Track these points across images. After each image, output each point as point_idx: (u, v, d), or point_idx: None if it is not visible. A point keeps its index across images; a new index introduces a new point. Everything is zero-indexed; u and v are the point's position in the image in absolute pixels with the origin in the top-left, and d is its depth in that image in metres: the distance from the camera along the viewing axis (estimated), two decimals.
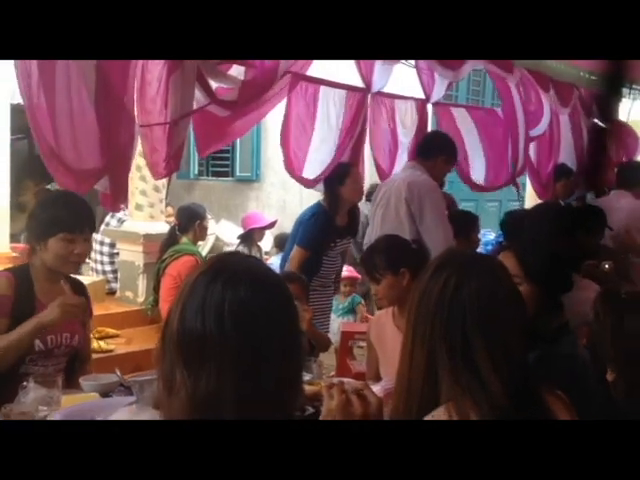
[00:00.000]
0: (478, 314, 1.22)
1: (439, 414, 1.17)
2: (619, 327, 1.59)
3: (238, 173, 8.28)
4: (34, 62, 2.35)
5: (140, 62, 2.67)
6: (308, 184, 3.84)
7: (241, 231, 5.34)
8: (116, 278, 4.91)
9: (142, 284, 4.60)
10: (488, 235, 6.36)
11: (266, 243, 5.72)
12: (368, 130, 4.00)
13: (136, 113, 2.75)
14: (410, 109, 4.23)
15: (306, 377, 2.36)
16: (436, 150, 3.50)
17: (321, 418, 1.34)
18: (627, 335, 1.57)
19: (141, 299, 4.59)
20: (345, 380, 1.64)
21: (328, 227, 3.60)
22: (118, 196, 2.75)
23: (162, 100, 2.69)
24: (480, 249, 5.39)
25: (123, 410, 1.61)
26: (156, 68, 2.68)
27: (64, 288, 2.19)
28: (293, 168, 3.70)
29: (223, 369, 0.93)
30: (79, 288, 2.35)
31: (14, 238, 6.63)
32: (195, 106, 2.89)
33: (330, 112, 3.69)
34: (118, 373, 2.13)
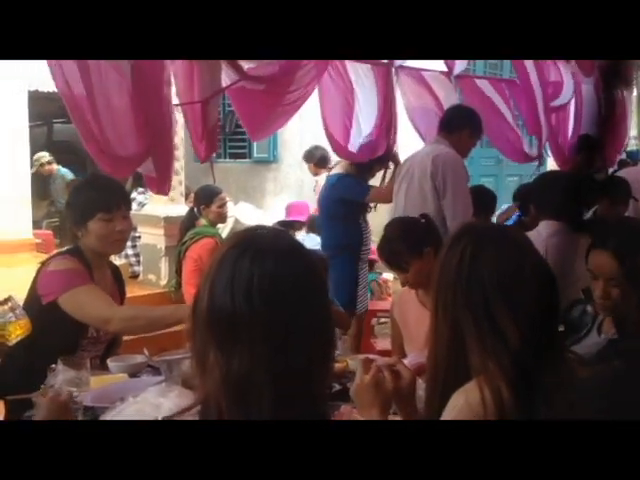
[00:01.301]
0: (497, 281, 1.23)
1: (470, 387, 1.17)
2: None
3: (255, 154, 8.28)
4: None
5: None
6: (353, 158, 3.85)
7: (260, 212, 5.34)
8: (138, 261, 4.96)
9: (164, 267, 4.64)
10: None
11: None
12: (405, 106, 3.98)
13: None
14: (442, 79, 4.18)
15: None
16: (460, 124, 3.44)
17: (352, 391, 1.35)
18: None
19: (164, 282, 4.63)
20: (372, 356, 1.65)
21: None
22: (164, 178, 2.77)
23: (190, 80, 2.69)
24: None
25: (152, 389, 1.64)
26: None
27: (108, 274, 2.29)
28: (339, 145, 3.72)
29: (255, 346, 0.92)
30: (117, 273, 2.42)
31: (36, 225, 6.73)
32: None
33: (365, 85, 3.68)
34: (146, 353, 2.15)
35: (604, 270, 1.79)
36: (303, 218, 5.11)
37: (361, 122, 3.72)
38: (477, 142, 3.63)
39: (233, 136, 8.22)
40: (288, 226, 5.04)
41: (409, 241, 2.34)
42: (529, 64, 4.55)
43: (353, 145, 3.76)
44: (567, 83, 4.84)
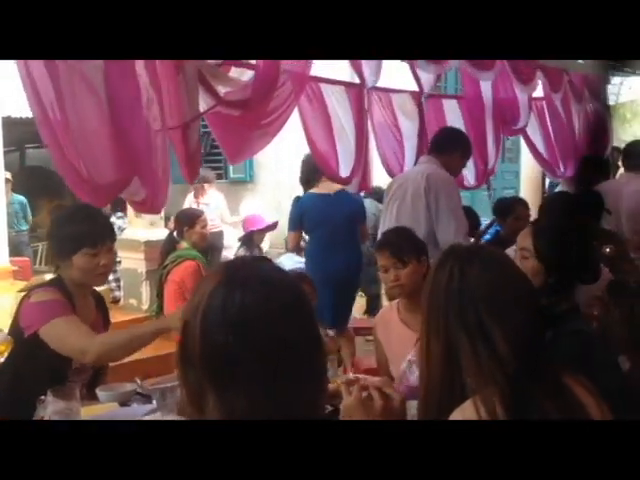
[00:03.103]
0: (488, 298, 1.25)
1: (467, 407, 1.18)
2: (628, 317, 1.60)
3: (232, 175, 8.29)
4: (44, 77, 2.32)
5: (143, 65, 2.65)
6: (342, 182, 3.87)
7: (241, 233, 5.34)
8: (119, 286, 4.93)
9: (145, 291, 4.62)
10: (484, 225, 6.38)
11: (265, 244, 5.73)
12: (370, 127, 3.96)
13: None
14: (408, 102, 4.19)
15: None
16: (452, 145, 3.51)
17: (341, 415, 1.36)
18: (637, 325, 1.58)
19: (145, 306, 4.61)
20: (362, 377, 1.66)
21: None
22: (156, 200, 2.74)
23: (169, 105, 2.68)
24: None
25: (147, 419, 1.63)
26: (162, 72, 2.67)
27: (91, 302, 2.26)
28: (327, 167, 3.74)
29: (254, 382, 0.92)
30: (100, 302, 2.39)
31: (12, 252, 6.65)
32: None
33: (336, 108, 3.68)
34: (138, 382, 2.14)
35: (520, 240, 1.96)
36: (258, 227, 5.11)
37: (342, 145, 3.73)
38: (466, 162, 3.71)
39: (209, 157, 8.22)
40: (248, 240, 5.03)
41: (416, 242, 2.47)
42: (485, 85, 4.57)
43: (342, 168, 3.76)
44: (522, 106, 4.82)
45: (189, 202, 6.40)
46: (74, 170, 2.41)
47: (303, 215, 4.33)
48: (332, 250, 4.24)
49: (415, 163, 4.02)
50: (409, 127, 4.18)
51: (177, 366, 0.98)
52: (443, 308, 1.28)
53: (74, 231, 2.13)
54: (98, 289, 2.81)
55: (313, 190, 4.37)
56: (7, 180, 7.09)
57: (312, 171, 4.28)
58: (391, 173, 4.08)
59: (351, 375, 1.66)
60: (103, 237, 2.15)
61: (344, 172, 3.78)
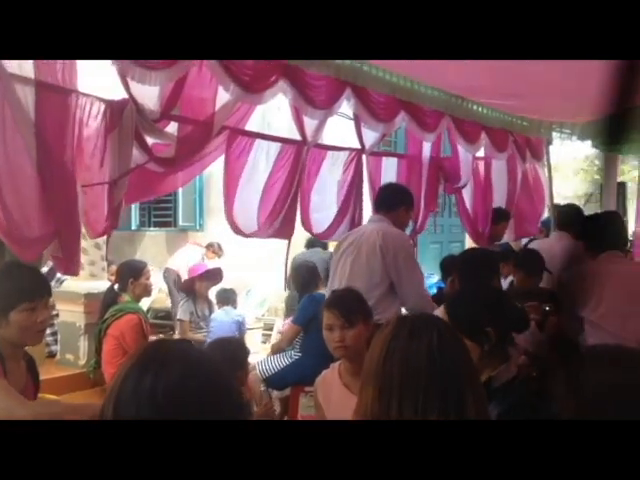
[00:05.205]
0: (464, 365, 1.33)
1: None
2: (574, 382, 1.62)
3: (181, 223, 8.24)
4: None
5: (78, 119, 2.64)
6: (249, 235, 3.85)
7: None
8: (55, 340, 4.75)
9: (83, 346, 4.48)
10: (431, 278, 6.48)
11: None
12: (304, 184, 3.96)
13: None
14: (344, 160, 4.22)
15: None
16: (397, 201, 3.59)
17: None
18: (583, 392, 1.60)
19: (83, 361, 4.46)
20: None
21: None
22: (72, 258, 2.66)
23: (100, 158, 2.66)
24: None
25: None
26: (94, 125, 2.67)
27: (23, 366, 2.16)
28: (235, 222, 3.71)
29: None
30: (32, 365, 2.30)
31: None
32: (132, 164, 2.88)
33: (260, 164, 3.67)
34: None
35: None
36: (195, 273, 5.08)
37: (247, 200, 3.71)
38: (411, 216, 3.80)
39: (158, 204, 8.16)
40: (189, 290, 4.98)
41: (363, 303, 2.47)
42: (426, 146, 4.66)
43: (243, 224, 3.76)
44: (463, 166, 4.95)
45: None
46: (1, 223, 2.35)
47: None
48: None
49: (342, 220, 4.12)
50: (342, 184, 4.20)
51: None
52: (424, 375, 1.29)
53: (12, 287, 2.07)
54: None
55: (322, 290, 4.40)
56: None
57: (309, 277, 4.44)
58: (309, 229, 4.09)
59: None
60: (41, 291, 2.10)
61: (249, 228, 3.76)
